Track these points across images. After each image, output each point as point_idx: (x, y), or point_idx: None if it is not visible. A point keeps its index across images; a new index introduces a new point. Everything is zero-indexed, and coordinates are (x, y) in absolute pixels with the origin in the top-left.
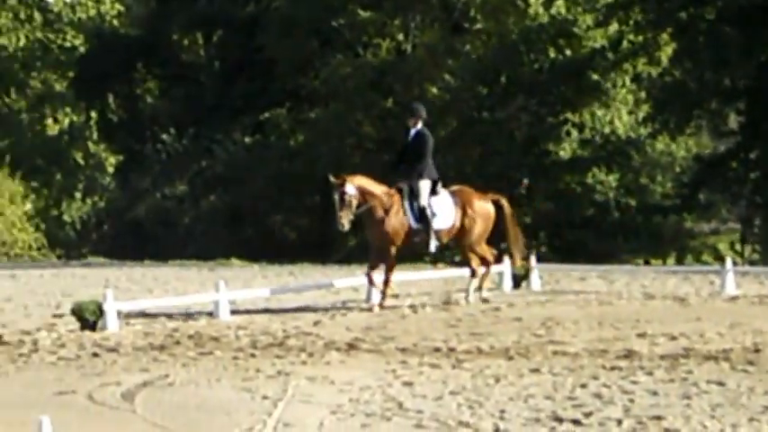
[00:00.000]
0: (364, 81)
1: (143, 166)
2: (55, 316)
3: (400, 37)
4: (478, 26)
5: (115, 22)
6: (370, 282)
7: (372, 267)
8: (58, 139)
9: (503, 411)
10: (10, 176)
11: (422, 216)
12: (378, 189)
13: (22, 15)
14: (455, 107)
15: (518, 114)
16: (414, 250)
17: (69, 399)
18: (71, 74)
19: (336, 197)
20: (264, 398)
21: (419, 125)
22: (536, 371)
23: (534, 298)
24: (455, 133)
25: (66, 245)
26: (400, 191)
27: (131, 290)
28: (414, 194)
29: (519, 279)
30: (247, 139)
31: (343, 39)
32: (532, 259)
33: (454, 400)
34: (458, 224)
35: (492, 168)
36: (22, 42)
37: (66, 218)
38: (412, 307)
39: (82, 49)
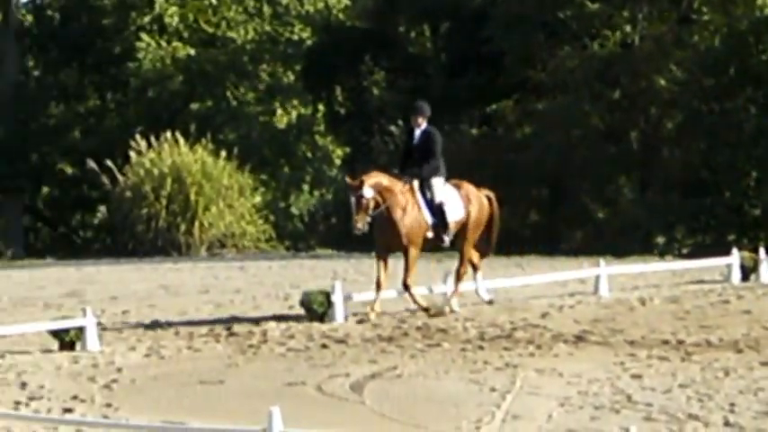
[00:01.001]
0: (591, 73)
1: (370, 158)
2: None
3: (627, 29)
4: (706, 18)
5: (342, 15)
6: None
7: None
8: (285, 131)
9: (732, 405)
10: (239, 169)
11: (437, 212)
12: (396, 186)
13: (251, 9)
14: (682, 99)
15: (746, 106)
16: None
17: (298, 390)
18: (299, 66)
19: (353, 200)
20: (492, 390)
21: (424, 124)
22: (766, 364)
23: (763, 291)
24: (682, 125)
25: (294, 236)
26: (413, 188)
27: (359, 281)
28: (427, 190)
29: (748, 271)
30: (474, 131)
31: (571, 31)
32: (761, 251)
33: (683, 393)
34: (465, 216)
35: (720, 160)
36: (251, 35)
37: (293, 210)
38: (640, 299)
39: (309, 42)
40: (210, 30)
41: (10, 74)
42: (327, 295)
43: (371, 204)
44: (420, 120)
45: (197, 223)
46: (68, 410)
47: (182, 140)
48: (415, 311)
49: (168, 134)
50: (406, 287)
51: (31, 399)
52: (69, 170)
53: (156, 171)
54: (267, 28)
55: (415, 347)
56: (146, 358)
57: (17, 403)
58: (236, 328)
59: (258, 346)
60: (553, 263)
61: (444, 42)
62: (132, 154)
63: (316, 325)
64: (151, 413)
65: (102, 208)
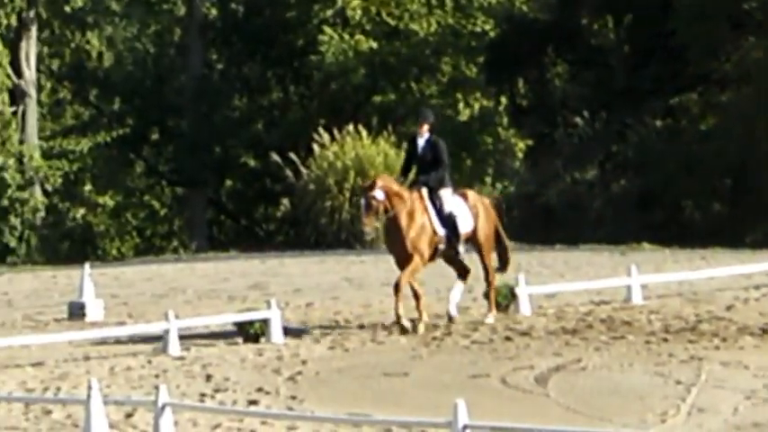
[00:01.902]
0: None
1: (552, 150)
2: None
3: None
4: None
5: (525, 7)
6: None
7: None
8: (467, 124)
9: None
10: None
11: (449, 223)
12: (405, 193)
13: (434, 1)
14: None
15: None
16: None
17: (483, 382)
18: (481, 59)
19: (363, 202)
20: (678, 383)
21: (428, 133)
22: None
23: None
24: None
25: None
26: (422, 195)
27: (542, 274)
28: (436, 200)
29: None
30: (658, 123)
31: (755, 21)
32: None
33: None
34: (473, 228)
35: None
36: (433, 28)
37: None
38: None
39: (492, 35)
40: (393, 22)
41: (194, 67)
42: (511, 288)
43: (381, 208)
44: (423, 128)
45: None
46: (253, 402)
47: (364, 133)
48: (598, 304)
49: (351, 127)
50: (397, 288)
51: (217, 391)
52: (252, 163)
53: (339, 164)
54: (449, 20)
55: (600, 340)
56: (330, 350)
57: (202, 395)
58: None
59: (442, 338)
60: (737, 255)
61: (627, 34)
62: (315, 147)
63: (500, 317)
64: (335, 405)
65: (286, 201)
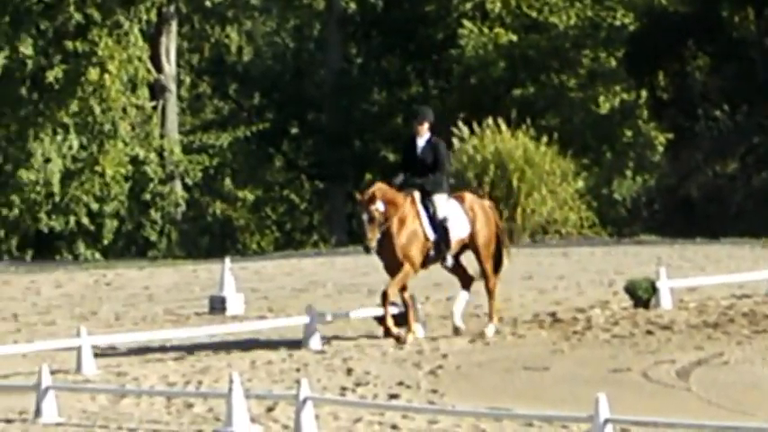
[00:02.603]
0: None
1: (693, 143)
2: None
3: None
4: None
5: (664, 0)
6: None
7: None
8: (608, 117)
9: None
10: (560, 155)
11: (440, 228)
12: (399, 199)
13: None
14: None
15: None
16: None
17: (623, 376)
18: (621, 52)
19: (365, 216)
20: None
21: (427, 133)
22: None
23: None
24: None
25: (617, 223)
26: (414, 200)
27: (683, 267)
28: (429, 205)
29: None
30: None
31: None
32: None
33: None
34: (470, 233)
35: None
36: (573, 21)
37: (616, 196)
38: None
39: (632, 28)
40: (533, 15)
41: (333, 61)
42: (652, 282)
43: (382, 219)
44: (423, 127)
45: (519, 209)
46: (394, 396)
47: (504, 126)
48: (739, 297)
49: (490, 120)
50: (384, 297)
51: (357, 384)
52: (392, 157)
53: (478, 157)
54: (589, 13)
55: (742, 334)
56: (470, 344)
57: (343, 389)
58: (561, 314)
59: (583, 332)
60: None
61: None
62: (455, 140)
63: (641, 311)
64: (476, 399)
65: None
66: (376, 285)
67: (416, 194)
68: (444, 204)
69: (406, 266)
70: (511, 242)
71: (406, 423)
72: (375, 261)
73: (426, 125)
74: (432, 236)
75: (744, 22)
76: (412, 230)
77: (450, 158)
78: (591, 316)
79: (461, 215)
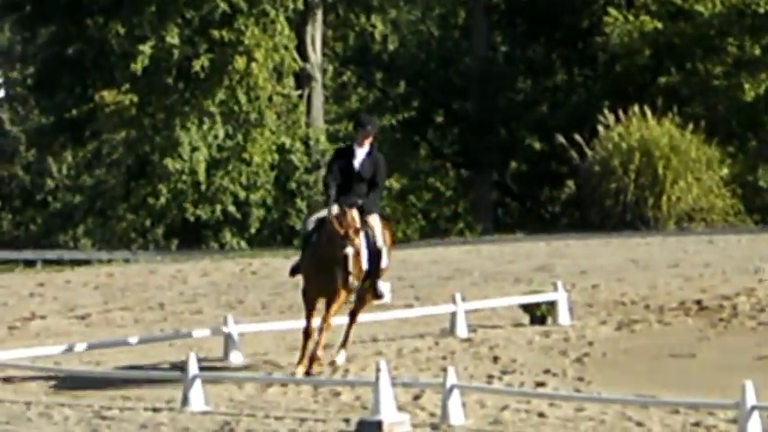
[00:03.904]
0: None
1: None
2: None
3: None
4: None
5: None
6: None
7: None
8: (753, 104)
9: None
10: (706, 142)
11: (375, 258)
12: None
13: None
14: None
15: None
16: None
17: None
18: (767, 39)
19: (350, 252)
20: None
21: (367, 145)
22: None
23: None
24: None
25: (763, 210)
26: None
27: None
28: (368, 229)
29: None
30: None
31: None
32: None
33: None
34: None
35: None
36: (718, 8)
37: (761, 183)
38: None
39: None
40: (678, 2)
41: (479, 49)
42: None
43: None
44: (368, 140)
45: (665, 197)
46: (541, 384)
47: (649, 114)
48: None
49: (636, 108)
50: (321, 329)
51: (504, 372)
52: (537, 145)
53: (624, 145)
54: (734, 1)
55: None
56: (616, 332)
57: (490, 377)
58: (707, 302)
59: (728, 319)
60: None
61: None
62: (600, 128)
63: None
64: (623, 386)
65: (570, 182)
66: (521, 273)
67: (355, 213)
68: (380, 230)
69: (343, 295)
70: (657, 229)
71: (552, 411)
72: (521, 249)
73: (364, 136)
74: (365, 266)
75: None
76: (359, 263)
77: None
78: (737, 303)
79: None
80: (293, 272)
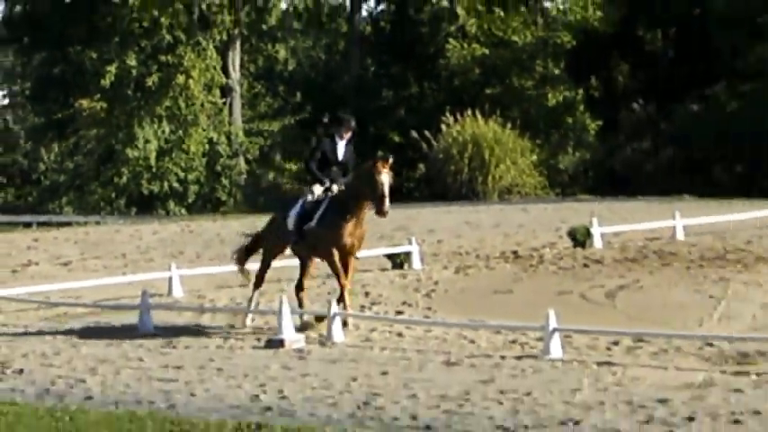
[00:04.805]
0: None
1: (617, 128)
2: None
3: None
4: None
5: (596, 23)
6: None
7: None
8: (555, 109)
9: None
10: (520, 136)
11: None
12: None
13: (529, 20)
14: None
15: None
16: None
17: (567, 297)
18: (563, 62)
19: (389, 180)
20: (711, 297)
21: (347, 137)
22: None
23: None
24: None
25: (562, 186)
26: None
27: (610, 218)
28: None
29: None
30: (695, 107)
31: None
32: None
33: None
34: None
35: None
36: (529, 39)
37: (561, 166)
38: None
39: (572, 44)
40: (500, 35)
41: (354, 69)
42: (587, 228)
43: None
44: (347, 132)
45: (490, 176)
46: (399, 312)
47: (479, 116)
48: (651, 240)
49: (469, 112)
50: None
51: (373, 304)
52: (397, 139)
53: (460, 139)
54: (540, 34)
55: (653, 266)
56: (455, 274)
57: (363, 307)
58: (521, 252)
59: (536, 265)
60: (754, 204)
61: (671, 42)
62: (443, 127)
63: (579, 250)
64: (460, 314)
65: (422, 166)
66: (385, 232)
67: (335, 188)
68: None
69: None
70: (484, 200)
71: (408, 332)
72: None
73: (346, 131)
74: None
75: (654, 40)
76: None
77: None
78: (543, 254)
79: None
80: (293, 243)
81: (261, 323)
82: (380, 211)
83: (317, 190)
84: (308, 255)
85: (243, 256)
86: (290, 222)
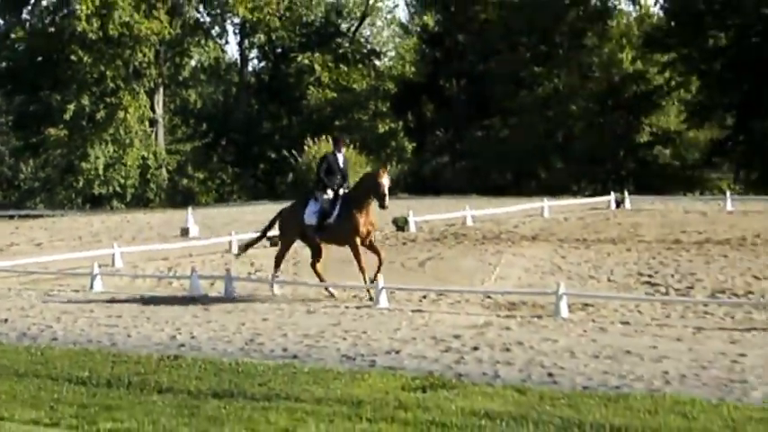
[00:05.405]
0: (539, 100)
1: (425, 149)
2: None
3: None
4: None
5: (411, 75)
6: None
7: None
8: (383, 135)
9: (612, 271)
10: (360, 155)
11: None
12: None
13: (365, 72)
14: None
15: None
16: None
17: (391, 266)
18: (389, 103)
19: (388, 183)
20: (489, 264)
21: (342, 150)
22: (629, 249)
23: (627, 213)
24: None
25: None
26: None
27: (421, 210)
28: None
29: (619, 202)
30: (479, 134)
31: (531, 78)
32: (626, 192)
33: (586, 265)
34: None
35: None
36: (365, 86)
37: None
38: (564, 218)
39: (395, 90)
40: (344, 83)
41: (243, 107)
42: (406, 218)
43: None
44: (342, 146)
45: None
46: (276, 276)
47: (331, 140)
48: (450, 225)
49: (323, 137)
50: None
51: (257, 271)
52: (274, 156)
53: (318, 155)
54: (372, 83)
55: (451, 243)
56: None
57: (249, 273)
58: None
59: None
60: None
61: (464, 89)
62: (306, 147)
63: (400, 233)
64: (309, 276)
65: (291, 174)
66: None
67: (341, 191)
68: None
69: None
70: None
71: (282, 291)
72: (265, 209)
73: (341, 146)
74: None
75: (451, 87)
76: None
77: None
78: (375, 235)
79: None
80: (319, 235)
81: (177, 285)
82: (382, 206)
83: (328, 196)
84: (327, 243)
85: (245, 249)
86: (310, 218)
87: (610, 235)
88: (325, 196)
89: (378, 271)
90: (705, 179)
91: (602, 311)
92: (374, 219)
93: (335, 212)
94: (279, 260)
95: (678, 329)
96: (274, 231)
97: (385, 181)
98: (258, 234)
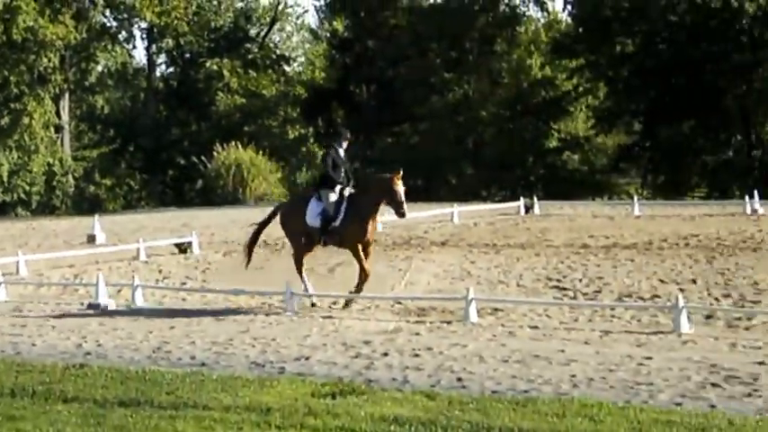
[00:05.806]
0: (448, 108)
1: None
2: None
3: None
4: None
5: (321, 81)
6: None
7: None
8: (293, 140)
9: (521, 276)
10: (270, 160)
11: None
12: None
13: (274, 77)
14: None
15: None
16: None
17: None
18: (298, 108)
19: (403, 189)
20: (399, 270)
21: (345, 145)
22: (538, 254)
23: (536, 218)
24: None
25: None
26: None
27: None
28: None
29: (528, 208)
30: (389, 140)
31: (440, 84)
32: (535, 198)
33: (496, 270)
34: None
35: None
36: (274, 92)
37: (298, 181)
38: (474, 223)
39: (306, 95)
40: (253, 89)
41: (151, 112)
42: None
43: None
44: (346, 141)
45: (248, 188)
46: (184, 284)
47: (240, 146)
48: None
49: (233, 143)
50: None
51: (165, 278)
52: (183, 162)
53: (227, 162)
54: (282, 88)
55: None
56: (224, 257)
57: (157, 281)
58: (269, 241)
59: (280, 250)
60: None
61: (374, 94)
62: (215, 153)
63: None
64: (226, 285)
65: (200, 180)
66: (175, 228)
67: (346, 191)
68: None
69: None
70: (245, 204)
71: (190, 297)
72: (176, 216)
73: (345, 141)
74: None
75: (361, 93)
76: None
77: None
78: (285, 242)
79: None
80: (324, 240)
81: (83, 292)
82: (400, 213)
83: (333, 196)
84: (330, 244)
85: (250, 250)
86: (313, 221)
87: (519, 240)
88: (331, 196)
89: (360, 283)
90: (613, 184)
91: (512, 316)
92: (376, 225)
93: (341, 215)
94: (299, 264)
95: (586, 333)
96: (184, 239)
97: (400, 188)
98: (254, 231)
